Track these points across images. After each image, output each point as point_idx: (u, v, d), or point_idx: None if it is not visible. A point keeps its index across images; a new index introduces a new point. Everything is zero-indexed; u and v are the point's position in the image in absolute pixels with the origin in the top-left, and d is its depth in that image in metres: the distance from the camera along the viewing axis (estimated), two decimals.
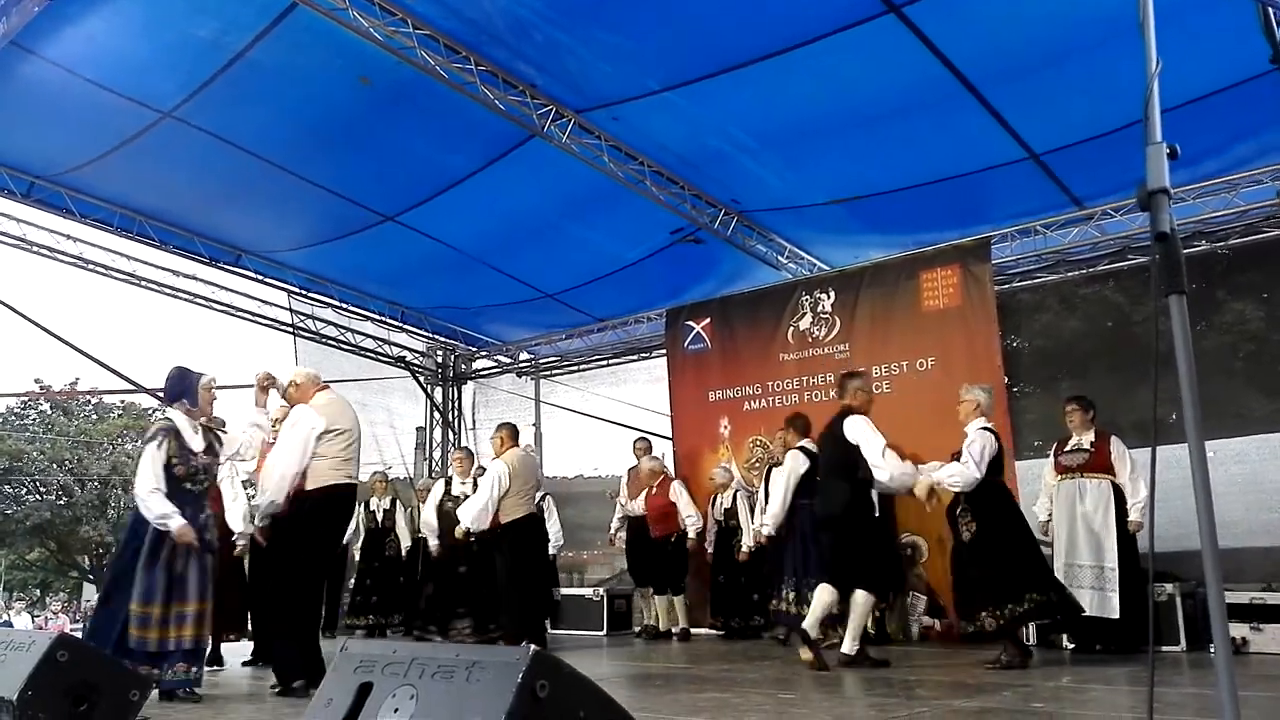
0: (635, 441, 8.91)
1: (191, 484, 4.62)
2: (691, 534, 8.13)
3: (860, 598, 5.53)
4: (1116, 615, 5.96)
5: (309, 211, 8.06)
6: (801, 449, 6.87)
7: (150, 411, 36.06)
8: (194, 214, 8.38)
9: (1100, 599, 6.07)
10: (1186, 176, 6.95)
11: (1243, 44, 5.11)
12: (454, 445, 11.40)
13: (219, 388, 5.02)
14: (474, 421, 11.74)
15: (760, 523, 7.36)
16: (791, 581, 6.82)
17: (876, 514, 5.67)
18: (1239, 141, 6.70)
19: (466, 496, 7.80)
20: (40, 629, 18.14)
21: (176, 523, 4.45)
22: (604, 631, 8.69)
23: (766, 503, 7.44)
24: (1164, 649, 6.06)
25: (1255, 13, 2.24)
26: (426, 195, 7.74)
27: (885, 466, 5.52)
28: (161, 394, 4.85)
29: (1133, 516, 6.14)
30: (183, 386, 4.80)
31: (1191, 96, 5.84)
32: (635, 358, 10.60)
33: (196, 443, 4.69)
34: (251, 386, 5.22)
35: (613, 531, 8.75)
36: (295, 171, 7.35)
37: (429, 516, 8.09)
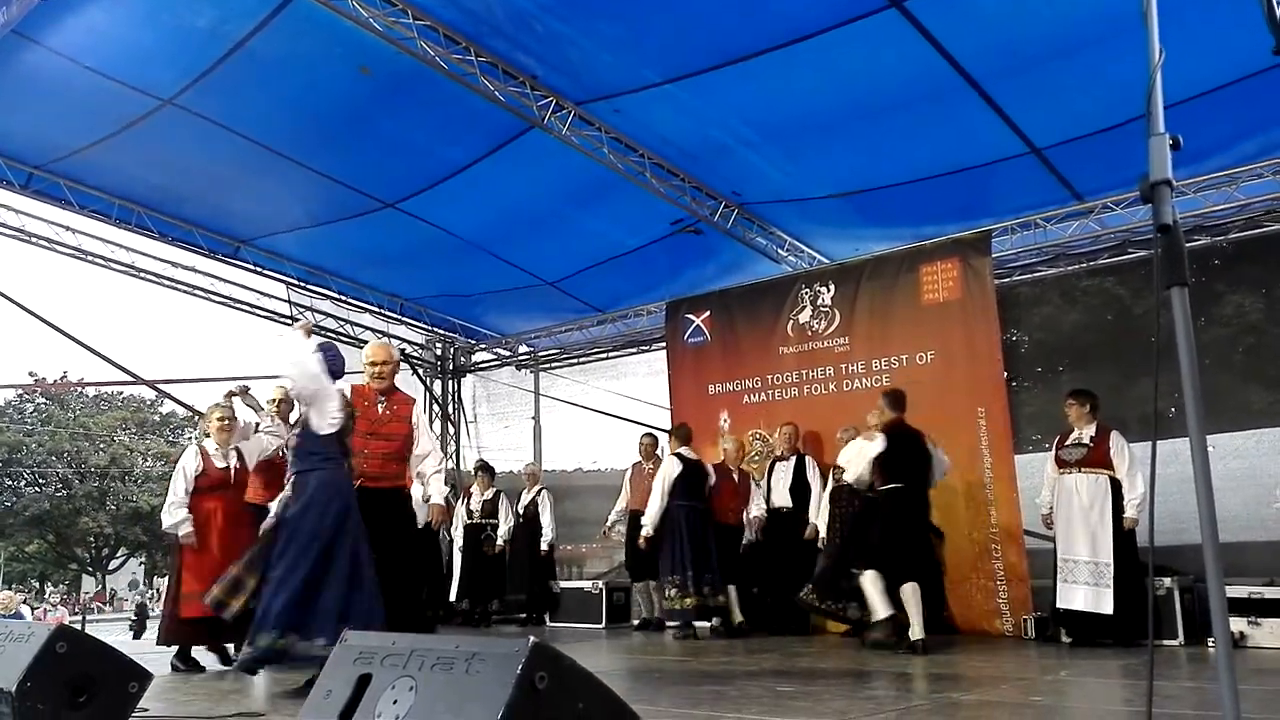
0: (642, 437, 8.91)
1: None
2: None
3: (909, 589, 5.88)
4: (1110, 611, 5.98)
5: (309, 199, 8.04)
6: (678, 455, 7.66)
7: (150, 403, 36.14)
8: (193, 204, 8.36)
9: (1095, 595, 6.09)
10: (1189, 172, 6.94)
11: (1247, 38, 5.10)
12: (451, 438, 11.43)
13: (223, 380, 5.03)
14: (474, 415, 11.74)
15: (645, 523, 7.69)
16: (674, 579, 7.35)
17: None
18: (1245, 138, 6.69)
19: None
20: (39, 620, 18.15)
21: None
22: (603, 624, 8.70)
23: (769, 496, 7.83)
24: (1161, 643, 6.07)
25: (1259, 2, 2.22)
26: (427, 183, 7.73)
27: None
28: (329, 371, 4.63)
29: (1128, 513, 6.14)
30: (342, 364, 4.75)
31: (1196, 91, 5.83)
32: (635, 350, 10.59)
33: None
34: (251, 379, 5.25)
35: (609, 524, 8.73)
36: (296, 158, 7.34)
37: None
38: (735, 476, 7.84)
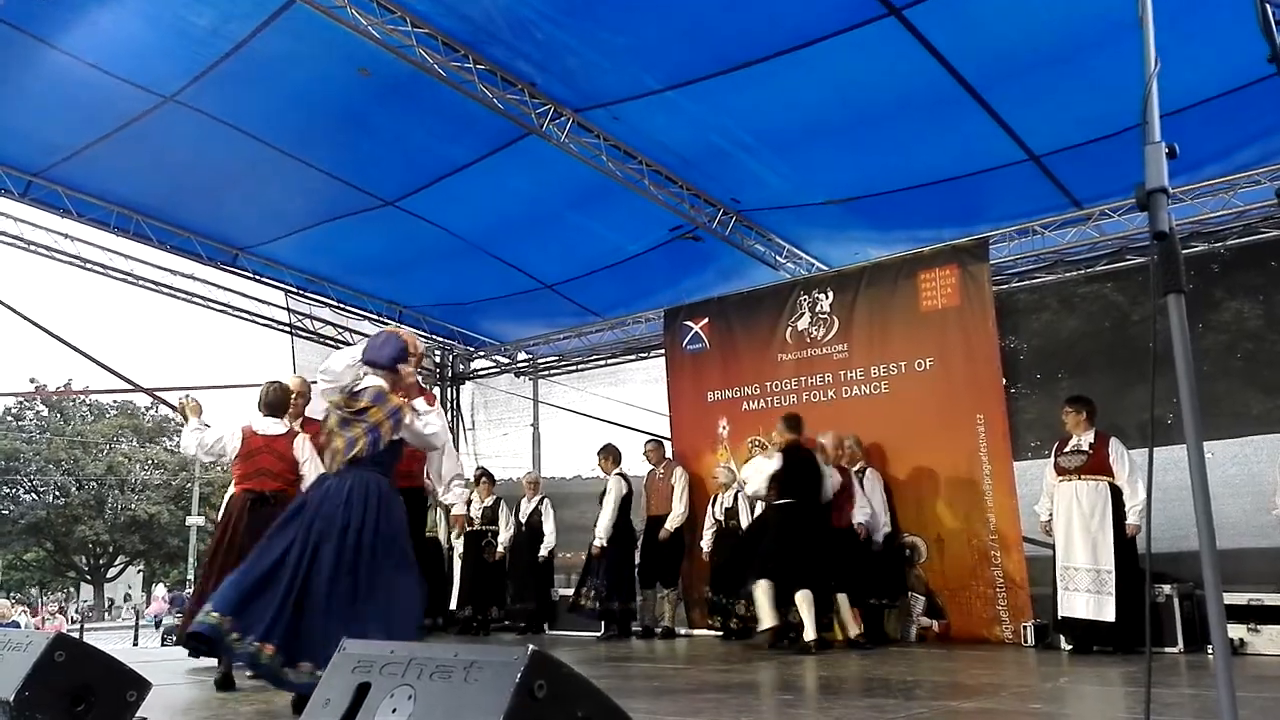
0: (646, 444, 8.93)
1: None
2: (670, 526, 8.29)
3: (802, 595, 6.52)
4: (1113, 619, 5.97)
5: (308, 196, 8.02)
6: (622, 475, 8.45)
7: (144, 410, 36.07)
8: (193, 208, 8.36)
9: (1096, 602, 6.08)
10: (1186, 179, 6.96)
11: (1244, 47, 5.12)
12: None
13: (222, 388, 4.96)
14: (472, 422, 11.73)
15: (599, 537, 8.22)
16: (592, 582, 8.24)
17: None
18: (1242, 147, 6.70)
19: None
20: (37, 629, 18.12)
21: None
22: (601, 632, 8.68)
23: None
24: (1161, 650, 6.06)
25: (1254, 12, 2.23)
26: (427, 181, 7.73)
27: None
28: (370, 358, 4.18)
29: (1130, 520, 6.14)
30: (399, 353, 4.24)
31: (1193, 100, 5.85)
32: (633, 358, 10.59)
33: None
34: (251, 386, 5.20)
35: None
36: (296, 155, 7.34)
37: None
38: (835, 470, 7.19)
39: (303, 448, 5.28)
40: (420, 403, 4.32)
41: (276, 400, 5.42)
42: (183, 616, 5.84)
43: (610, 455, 8.59)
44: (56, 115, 6.93)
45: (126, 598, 37.90)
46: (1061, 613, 6.25)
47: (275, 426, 5.29)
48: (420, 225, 8.40)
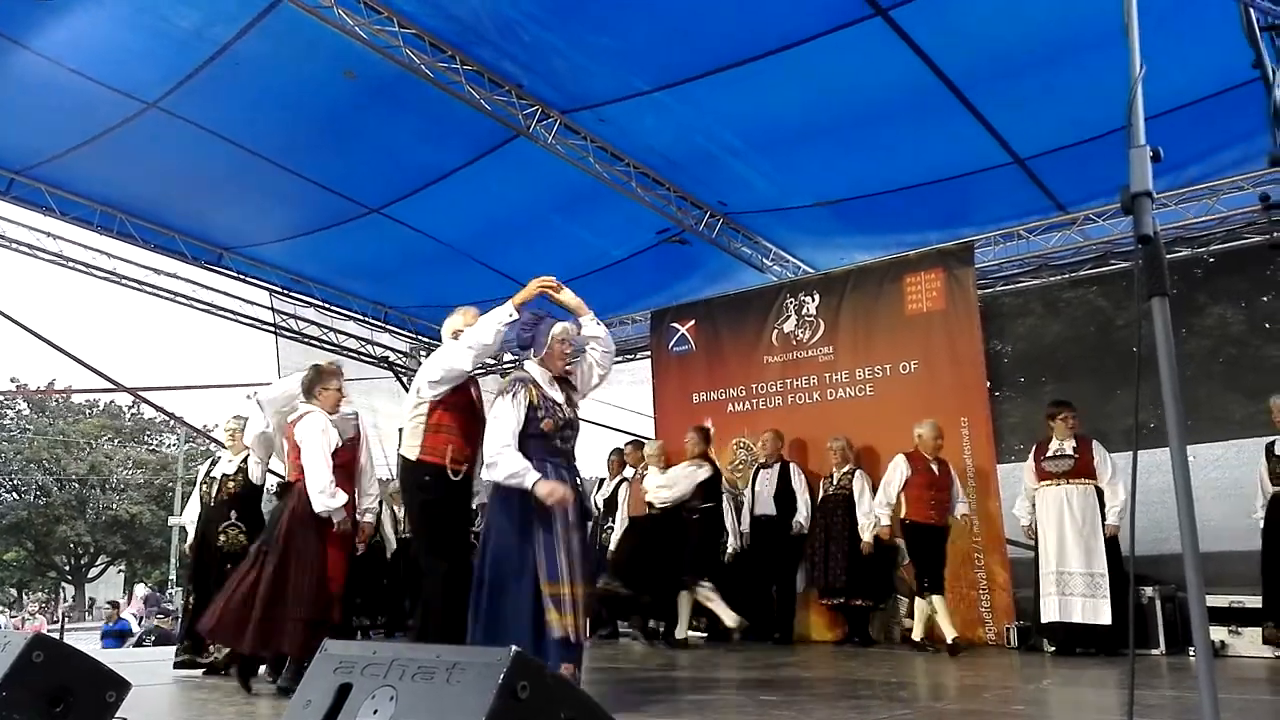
0: (625, 445, 8.91)
1: (561, 440, 4.11)
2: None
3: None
4: (1109, 621, 5.98)
5: (293, 204, 7.98)
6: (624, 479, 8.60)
7: (127, 409, 35.82)
8: (176, 210, 8.29)
9: (1092, 606, 6.09)
10: (1169, 182, 7.00)
11: (1228, 51, 5.15)
12: None
13: (206, 388, 4.87)
14: None
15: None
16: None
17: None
18: (1224, 149, 6.74)
19: (227, 477, 6.20)
20: (17, 629, 17.96)
21: (531, 478, 3.75)
22: (586, 633, 8.66)
23: (753, 505, 7.79)
24: (1144, 652, 6.09)
25: (1238, 17, 2.25)
26: (413, 188, 7.69)
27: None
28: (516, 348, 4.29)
29: (1110, 520, 6.17)
30: (532, 334, 4.34)
31: (1176, 104, 5.88)
32: (619, 359, 10.53)
33: (556, 394, 4.18)
34: (235, 386, 5.10)
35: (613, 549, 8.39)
36: (280, 163, 7.28)
37: (193, 506, 6.38)
38: (935, 467, 6.79)
39: (302, 431, 4.93)
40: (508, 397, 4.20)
41: (307, 385, 5.16)
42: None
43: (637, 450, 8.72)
44: (37, 121, 6.86)
45: (92, 602, 37.54)
46: (1058, 617, 6.21)
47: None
48: (406, 232, 8.36)
